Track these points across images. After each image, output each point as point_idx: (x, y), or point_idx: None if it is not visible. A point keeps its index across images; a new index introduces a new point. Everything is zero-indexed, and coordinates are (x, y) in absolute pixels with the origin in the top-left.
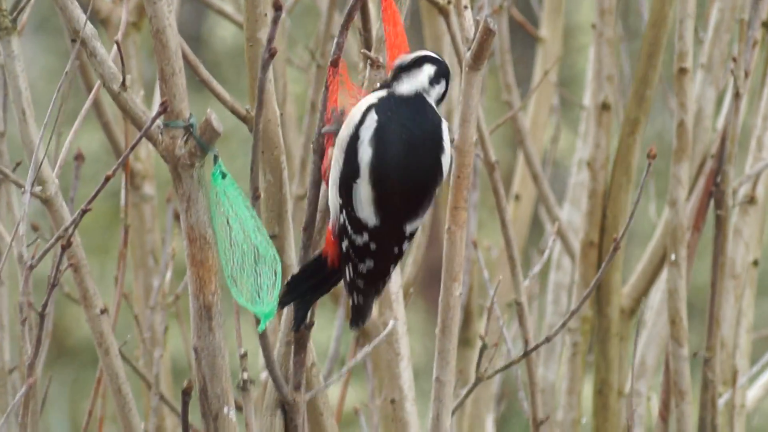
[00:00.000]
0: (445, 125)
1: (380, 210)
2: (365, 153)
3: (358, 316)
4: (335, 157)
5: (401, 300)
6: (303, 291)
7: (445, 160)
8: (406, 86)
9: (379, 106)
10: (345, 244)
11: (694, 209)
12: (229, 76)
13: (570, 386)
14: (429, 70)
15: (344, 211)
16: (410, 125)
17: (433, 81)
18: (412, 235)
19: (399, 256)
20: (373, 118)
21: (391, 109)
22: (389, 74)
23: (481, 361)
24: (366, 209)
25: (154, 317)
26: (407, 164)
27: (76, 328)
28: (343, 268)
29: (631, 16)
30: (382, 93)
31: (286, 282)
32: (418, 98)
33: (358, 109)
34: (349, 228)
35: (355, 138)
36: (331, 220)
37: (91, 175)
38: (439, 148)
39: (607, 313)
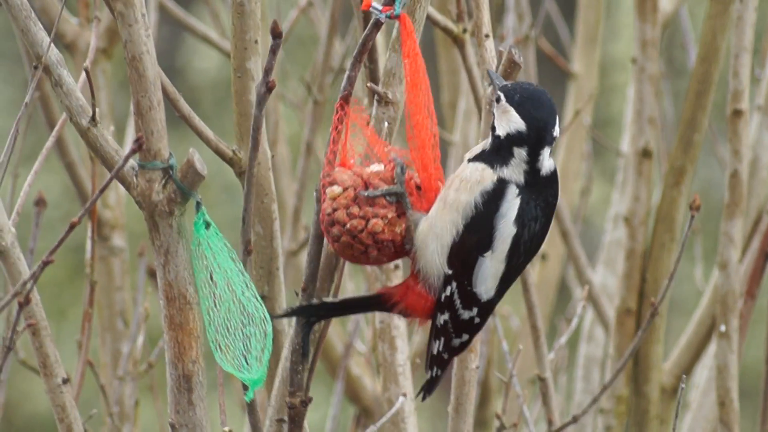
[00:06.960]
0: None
1: (501, 284)
2: (507, 230)
3: (428, 390)
4: (448, 221)
5: (408, 373)
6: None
7: None
8: (545, 163)
9: (519, 184)
10: (445, 317)
11: (748, 273)
12: (208, 113)
13: None
14: (546, 150)
15: (454, 284)
16: (544, 207)
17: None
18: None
19: None
20: (514, 192)
21: (530, 186)
22: (500, 135)
23: None
24: (488, 284)
25: (123, 388)
26: (536, 244)
27: (26, 402)
28: (431, 342)
29: (676, 51)
30: (515, 166)
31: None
32: (552, 179)
33: (486, 176)
34: (457, 302)
35: (491, 209)
36: (427, 286)
37: (50, 224)
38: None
39: (645, 392)
